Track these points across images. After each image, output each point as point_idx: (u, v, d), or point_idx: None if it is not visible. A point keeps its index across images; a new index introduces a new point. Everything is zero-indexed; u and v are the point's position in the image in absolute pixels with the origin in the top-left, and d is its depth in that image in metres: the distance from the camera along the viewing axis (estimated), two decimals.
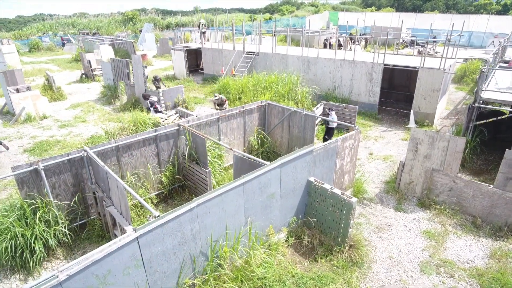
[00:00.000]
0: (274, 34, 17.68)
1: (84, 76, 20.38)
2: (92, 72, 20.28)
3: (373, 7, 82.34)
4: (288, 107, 9.40)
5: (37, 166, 5.87)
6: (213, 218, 5.13)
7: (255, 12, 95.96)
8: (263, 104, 9.89)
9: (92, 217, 6.99)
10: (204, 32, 21.35)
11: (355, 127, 7.93)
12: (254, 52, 18.01)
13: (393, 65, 13.95)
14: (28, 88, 14.61)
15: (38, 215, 5.87)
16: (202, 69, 23.06)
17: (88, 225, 6.90)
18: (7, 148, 11.24)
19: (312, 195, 6.81)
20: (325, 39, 28.58)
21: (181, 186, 8.31)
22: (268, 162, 5.86)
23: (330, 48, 27.77)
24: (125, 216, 5.53)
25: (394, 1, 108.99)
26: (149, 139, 7.49)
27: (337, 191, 6.34)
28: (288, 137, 9.74)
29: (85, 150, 6.41)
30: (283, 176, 6.15)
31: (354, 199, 6.08)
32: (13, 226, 5.72)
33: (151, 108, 11.97)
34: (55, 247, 6.11)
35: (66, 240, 6.24)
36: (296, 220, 6.81)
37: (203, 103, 16.06)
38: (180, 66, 20.48)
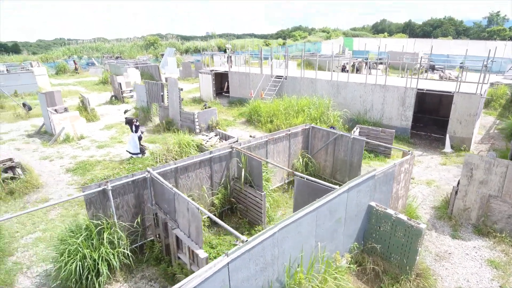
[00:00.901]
0: (303, 59, 17.99)
1: (114, 98, 20.87)
2: (122, 94, 20.78)
3: (385, 33, 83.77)
4: (333, 131, 9.41)
5: (105, 187, 5.91)
6: (289, 243, 5.04)
7: (266, 37, 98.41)
8: (307, 127, 9.93)
9: (148, 239, 6.94)
10: (229, 57, 21.86)
11: (409, 151, 7.86)
12: (282, 76, 18.31)
13: (427, 90, 13.98)
14: (66, 109, 14.98)
15: (105, 236, 5.85)
16: (226, 92, 23.47)
17: (146, 247, 6.84)
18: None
19: (373, 220, 6.67)
20: (345, 63, 28.96)
21: (230, 208, 8.25)
22: (337, 186, 5.80)
23: (346, 72, 28.20)
24: (195, 239, 5.47)
25: (404, 28, 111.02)
26: (204, 161, 7.53)
27: (403, 216, 6.21)
28: (332, 161, 9.70)
29: (148, 171, 6.45)
30: (349, 200, 6.06)
31: (423, 225, 5.93)
32: (81, 247, 5.69)
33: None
34: (116, 269, 6.04)
35: (128, 262, 6.16)
36: (357, 246, 6.65)
37: (233, 125, 16.20)
38: (207, 89, 20.87)
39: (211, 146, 10.21)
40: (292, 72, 18.99)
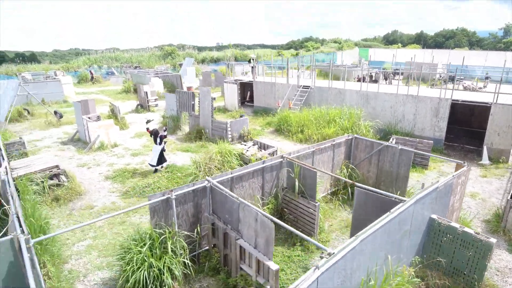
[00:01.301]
0: (332, 69, 17.99)
1: (140, 106, 21.12)
2: (148, 103, 21.03)
3: (399, 44, 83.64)
4: (379, 142, 9.30)
5: (169, 196, 5.89)
6: (365, 256, 4.92)
7: (275, 47, 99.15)
8: (350, 137, 9.84)
9: (203, 248, 6.87)
10: (254, 67, 22.02)
11: (464, 163, 7.70)
12: (308, 86, 18.32)
13: (462, 101, 13.80)
14: (98, 117, 15.19)
15: (169, 245, 5.81)
16: (248, 101, 23.57)
17: (201, 257, 6.77)
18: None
19: (434, 234, 6.50)
20: (364, 74, 28.93)
21: (279, 218, 8.14)
22: (406, 198, 5.69)
23: (364, 82, 28.15)
24: (264, 251, 5.39)
25: (416, 39, 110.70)
26: (257, 171, 7.49)
27: (469, 230, 6.03)
28: (376, 172, 9.56)
29: (208, 181, 6.42)
30: (415, 213, 5.93)
31: (493, 240, 5.74)
32: (147, 257, 5.66)
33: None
34: (178, 279, 5.97)
35: (188, 272, 6.10)
36: (418, 259, 6.47)
37: (262, 134, 16.18)
38: (231, 98, 20.99)
39: (252, 155, 10.18)
40: (319, 82, 18.99)
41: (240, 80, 21.52)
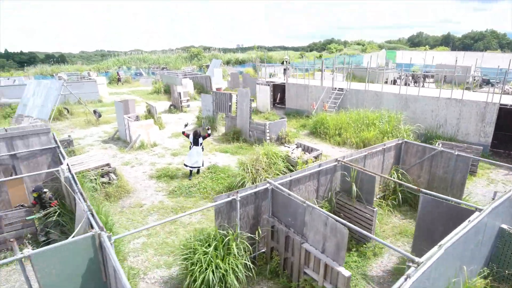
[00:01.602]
0: (369, 71, 17.68)
1: (173, 107, 21.43)
2: (181, 104, 21.31)
3: (426, 46, 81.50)
4: (432, 147, 9.02)
5: (234, 197, 5.88)
6: (444, 266, 4.74)
7: (297, 49, 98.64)
8: (400, 142, 9.59)
9: (260, 251, 6.83)
10: (287, 68, 21.93)
11: None
12: (343, 89, 18.06)
13: (511, 105, 13.23)
14: (137, 117, 15.49)
15: (234, 247, 5.80)
16: (279, 103, 23.49)
17: (258, 259, 6.73)
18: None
19: (504, 244, 6.21)
20: (396, 77, 28.33)
21: None
22: (481, 206, 5.45)
23: (395, 84, 27.52)
24: (333, 256, 5.28)
25: (443, 41, 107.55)
26: (314, 174, 7.39)
27: None
28: (428, 178, 9.27)
29: (269, 183, 6.38)
30: (488, 222, 5.68)
31: None
32: (212, 258, 5.66)
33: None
34: (241, 281, 5.94)
35: (250, 274, 6.06)
36: (487, 271, 6.19)
37: (298, 136, 16.05)
38: (264, 99, 20.97)
39: (298, 157, 10.09)
40: (354, 85, 18.70)
41: (272, 81, 21.47)
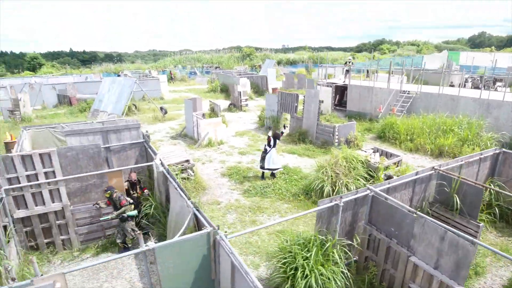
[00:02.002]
0: (445, 73, 16.54)
1: (232, 106, 21.76)
2: (240, 103, 21.55)
3: (493, 47, 75.16)
4: None
5: (337, 202, 5.67)
6: None
7: (345, 50, 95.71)
8: (497, 152, 8.76)
9: (353, 259, 6.55)
10: (348, 70, 21.27)
11: None
12: (409, 91, 17.09)
13: None
14: (203, 115, 15.85)
15: (336, 253, 5.59)
16: (337, 104, 22.85)
17: (350, 268, 6.46)
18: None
19: None
20: (467, 79, 26.31)
21: None
22: None
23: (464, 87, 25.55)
24: (451, 274, 4.86)
25: (508, 41, 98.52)
26: (409, 182, 6.95)
27: None
28: None
29: (370, 189, 6.08)
30: None
31: None
32: (314, 263, 5.49)
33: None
34: None
35: (347, 283, 5.81)
36: None
37: (364, 140, 15.43)
38: (325, 101, 20.49)
39: (378, 163, 9.63)
40: (425, 88, 17.62)
41: (333, 83, 20.95)
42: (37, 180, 6.68)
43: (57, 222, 7.11)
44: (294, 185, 10.46)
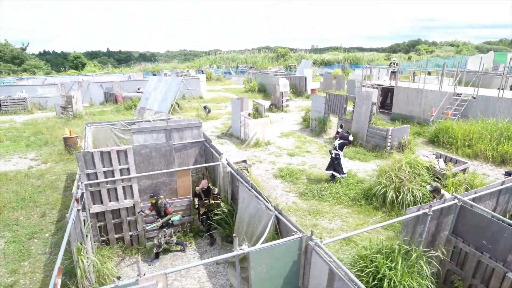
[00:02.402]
0: (507, 75, 15.57)
1: (274, 106, 21.64)
2: (282, 103, 21.39)
3: None
4: None
5: (426, 211, 5.36)
6: None
7: (377, 50, 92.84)
8: None
9: (431, 271, 6.19)
10: (395, 71, 20.54)
11: None
12: (461, 94, 16.19)
13: None
14: (249, 115, 15.82)
15: (423, 265, 5.30)
16: (381, 107, 22.14)
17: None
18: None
19: None
20: None
21: None
22: None
23: None
24: None
25: None
26: (494, 192, 6.49)
27: None
28: None
29: (458, 198, 5.72)
30: None
31: None
32: (401, 275, 5.22)
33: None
34: None
35: None
36: None
37: (417, 145, 14.79)
38: None
39: (444, 169, 9.14)
40: (482, 91, 16.67)
41: (379, 84, 20.30)
42: (113, 176, 6.83)
43: (128, 218, 7.25)
44: (351, 189, 10.15)
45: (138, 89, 25.72)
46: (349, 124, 14.70)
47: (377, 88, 19.48)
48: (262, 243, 4.96)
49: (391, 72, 20.89)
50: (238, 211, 6.96)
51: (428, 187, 7.40)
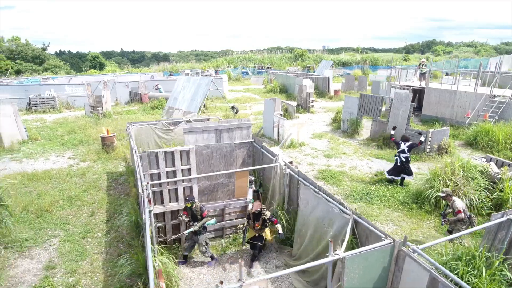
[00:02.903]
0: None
1: (300, 107, 21.50)
2: (308, 104, 21.25)
3: None
4: None
5: (510, 216, 5.18)
6: None
7: (388, 51, 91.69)
8: None
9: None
10: (424, 72, 20.21)
11: None
12: (506, 96, 15.81)
13: None
14: (281, 115, 15.73)
15: (507, 272, 5.12)
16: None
17: None
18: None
19: None
20: None
21: None
22: None
23: None
24: None
25: None
26: None
27: None
28: None
29: None
30: None
31: None
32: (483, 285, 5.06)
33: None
34: None
35: None
36: None
37: (454, 147, 14.49)
38: None
39: (498, 173, 8.89)
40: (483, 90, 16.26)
41: (409, 85, 19.99)
42: (174, 177, 6.81)
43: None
44: (397, 192, 9.97)
45: (156, 86, 25.96)
46: (384, 126, 14.48)
47: (407, 89, 19.16)
48: (345, 249, 4.84)
49: (420, 73, 20.54)
50: (299, 214, 6.86)
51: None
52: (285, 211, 7.53)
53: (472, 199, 8.44)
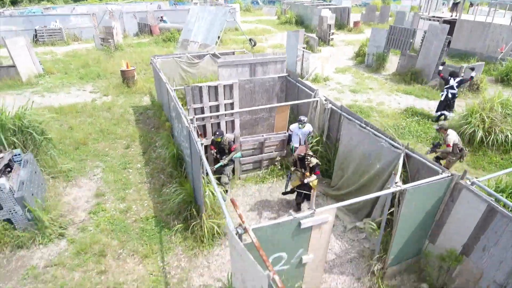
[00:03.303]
0: None
1: (319, 40, 20.46)
2: (329, 37, 20.20)
3: None
4: None
5: None
6: None
7: None
8: None
9: None
10: (458, 3, 18.72)
11: None
12: None
13: None
14: (304, 49, 15.05)
15: None
16: None
17: None
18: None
19: None
20: None
21: None
22: None
23: None
24: None
25: None
26: None
27: None
28: None
29: None
30: None
31: None
32: None
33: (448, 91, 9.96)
34: None
35: None
36: None
37: (485, 83, 14.03)
38: None
39: None
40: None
41: (440, 17, 18.69)
42: (217, 111, 6.75)
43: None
44: (429, 127, 9.95)
45: (161, 17, 24.58)
46: (414, 60, 13.89)
47: (437, 20, 17.97)
48: (397, 181, 4.93)
49: (453, 3, 19.04)
50: (340, 149, 6.91)
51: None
52: (324, 145, 7.61)
53: (508, 136, 8.43)
